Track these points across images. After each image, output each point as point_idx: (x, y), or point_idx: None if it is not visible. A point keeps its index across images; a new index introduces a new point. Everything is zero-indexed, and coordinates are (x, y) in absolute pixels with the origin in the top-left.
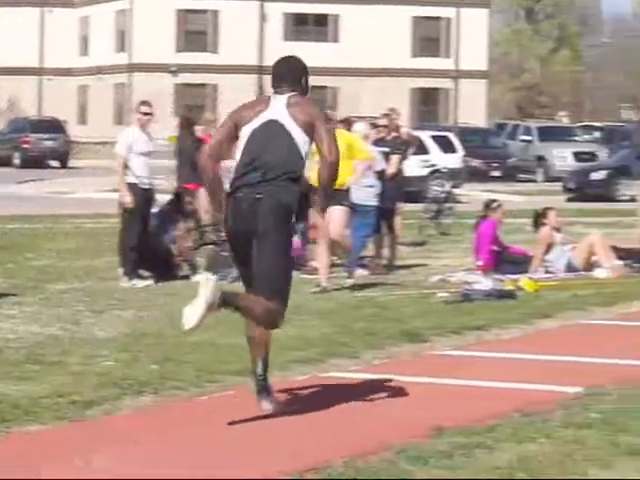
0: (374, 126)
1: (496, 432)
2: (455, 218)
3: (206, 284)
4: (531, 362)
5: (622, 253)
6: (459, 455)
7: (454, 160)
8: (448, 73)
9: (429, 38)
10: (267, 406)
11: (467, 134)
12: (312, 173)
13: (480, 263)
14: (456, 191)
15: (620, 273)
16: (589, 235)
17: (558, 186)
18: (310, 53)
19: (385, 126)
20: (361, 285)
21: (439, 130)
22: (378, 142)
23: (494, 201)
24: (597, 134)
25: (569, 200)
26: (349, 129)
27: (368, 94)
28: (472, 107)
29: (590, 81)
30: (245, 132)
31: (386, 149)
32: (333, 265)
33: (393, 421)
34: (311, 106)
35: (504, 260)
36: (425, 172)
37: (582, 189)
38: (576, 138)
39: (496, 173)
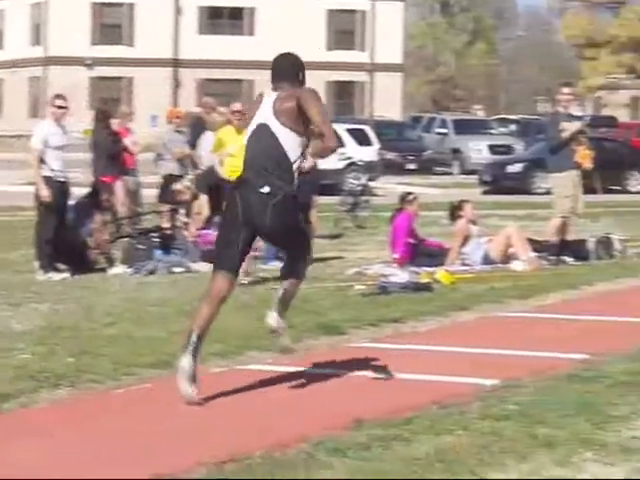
0: None
1: (414, 424)
2: (371, 211)
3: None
4: (448, 354)
5: (538, 245)
6: (377, 447)
7: (370, 153)
8: (363, 66)
9: (344, 31)
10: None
11: (383, 127)
12: (222, 168)
13: (396, 256)
14: (372, 184)
15: (536, 265)
16: (505, 227)
17: (474, 179)
18: (225, 46)
19: None
20: (278, 278)
21: (355, 123)
22: None
23: (410, 194)
24: (513, 127)
25: (485, 193)
26: None
27: None
28: (387, 100)
29: (505, 74)
30: (244, 136)
31: None
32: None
33: (311, 413)
34: (298, 91)
35: (420, 253)
36: (341, 165)
37: (498, 182)
38: (492, 131)
39: (412, 166)
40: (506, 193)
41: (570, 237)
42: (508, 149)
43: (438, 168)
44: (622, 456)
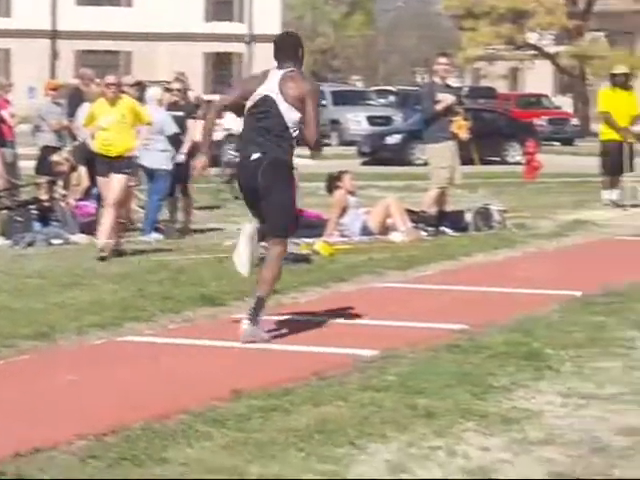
0: (167, 90)
1: (293, 395)
2: None
3: (244, 230)
4: (328, 325)
5: (416, 217)
6: (257, 418)
7: None
8: (242, 37)
9: (223, 2)
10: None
11: None
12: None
13: None
14: None
15: (415, 237)
16: (384, 199)
17: (353, 150)
18: (103, 18)
19: (179, 90)
20: (156, 249)
21: None
22: (172, 107)
23: None
24: (391, 98)
25: (364, 164)
26: (142, 93)
27: (162, 59)
28: None
29: (384, 45)
30: (247, 107)
31: (180, 113)
32: (128, 230)
33: (191, 385)
34: (304, 83)
35: (299, 224)
36: (220, 136)
37: (377, 153)
38: (370, 102)
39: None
40: (385, 164)
41: (448, 208)
42: (387, 120)
43: None
44: (502, 426)
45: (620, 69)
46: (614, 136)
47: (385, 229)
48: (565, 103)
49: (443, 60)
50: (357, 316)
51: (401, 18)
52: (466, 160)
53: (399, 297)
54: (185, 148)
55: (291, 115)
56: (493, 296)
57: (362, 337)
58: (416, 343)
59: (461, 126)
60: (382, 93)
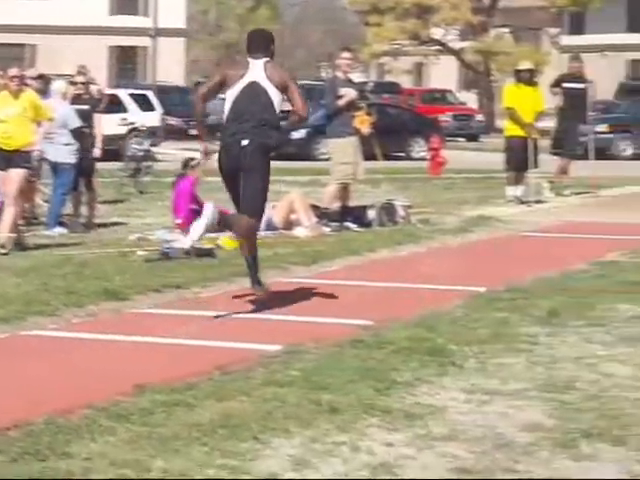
0: (72, 84)
1: (196, 390)
2: (154, 176)
3: (208, 208)
4: (231, 320)
5: (320, 212)
6: (160, 412)
7: (152, 118)
8: (147, 31)
9: None
10: (258, 292)
11: (166, 92)
12: None
13: (179, 221)
14: (155, 149)
15: (319, 232)
16: (288, 194)
17: None
18: (8, 11)
19: (83, 83)
20: (60, 243)
21: (137, 89)
22: (75, 100)
23: (192, 159)
24: None
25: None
26: (46, 87)
27: (67, 52)
28: (171, 66)
29: (289, 39)
30: (232, 93)
31: (84, 107)
32: (32, 224)
33: (95, 379)
34: (283, 70)
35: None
36: (123, 130)
37: (281, 148)
38: None
39: (195, 132)
40: (290, 159)
41: (353, 203)
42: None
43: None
44: (406, 422)
45: (525, 65)
46: (519, 132)
47: (290, 224)
48: (470, 99)
49: (346, 55)
50: (261, 311)
51: (307, 12)
52: (369, 155)
53: (303, 292)
54: (98, 142)
55: (278, 98)
56: (397, 292)
57: (266, 332)
58: (320, 338)
59: (363, 121)
60: None
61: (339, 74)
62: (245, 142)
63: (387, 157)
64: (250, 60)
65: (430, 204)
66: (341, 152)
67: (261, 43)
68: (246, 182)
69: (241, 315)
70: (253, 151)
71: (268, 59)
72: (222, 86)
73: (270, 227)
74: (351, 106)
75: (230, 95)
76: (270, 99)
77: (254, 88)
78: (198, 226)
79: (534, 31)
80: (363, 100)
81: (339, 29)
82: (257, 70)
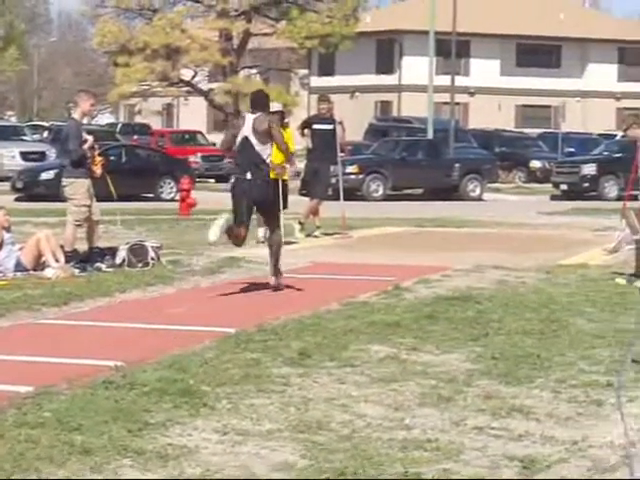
0: None
1: None
2: None
3: (220, 219)
4: None
5: (70, 253)
6: None
7: None
8: None
9: None
10: (274, 282)
11: None
12: None
13: None
14: None
15: (69, 273)
16: (37, 234)
17: (7, 185)
18: None
19: None
20: None
21: None
22: None
23: None
24: (45, 133)
25: (17, 200)
26: None
27: None
28: None
29: (38, 80)
30: (237, 142)
31: None
32: None
33: None
34: (267, 120)
35: None
36: None
37: (31, 188)
38: (24, 137)
39: None
40: (40, 200)
41: (103, 244)
42: (41, 156)
43: None
44: (159, 463)
45: (274, 107)
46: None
47: (40, 265)
48: (220, 139)
49: (85, 97)
50: (13, 352)
51: (56, 53)
52: (105, 196)
53: (55, 333)
54: None
55: (260, 148)
56: (149, 333)
57: (18, 373)
58: (72, 379)
59: (97, 162)
60: (36, 128)
61: (76, 116)
62: (249, 176)
63: (131, 197)
64: (247, 114)
65: (180, 245)
66: (79, 193)
67: (260, 103)
68: (265, 209)
69: None
70: (262, 185)
71: (260, 114)
72: (236, 137)
73: (20, 268)
74: (90, 149)
75: (236, 144)
76: (255, 149)
77: (244, 142)
78: (215, 226)
79: (284, 72)
80: (105, 140)
81: (90, 70)
82: (248, 124)
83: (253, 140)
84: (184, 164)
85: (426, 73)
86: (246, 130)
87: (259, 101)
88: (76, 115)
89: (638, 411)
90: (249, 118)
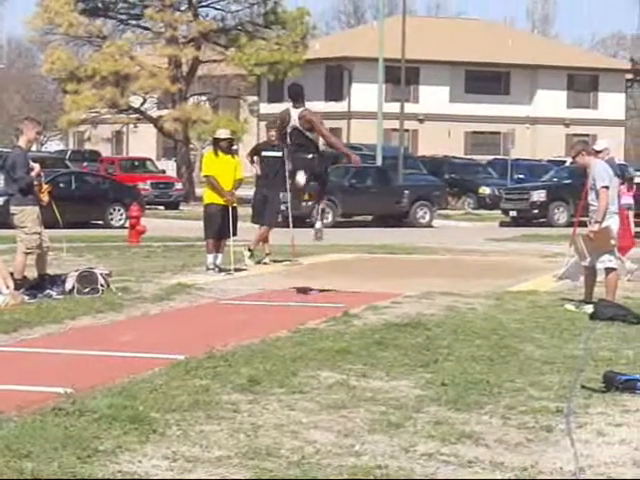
0: None
1: None
2: None
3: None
4: None
5: (20, 281)
6: None
7: None
8: None
9: None
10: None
11: None
12: None
13: None
14: None
15: (19, 299)
16: None
17: None
18: None
19: None
20: None
21: None
22: None
23: None
24: None
25: None
26: None
27: None
28: None
29: None
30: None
31: None
32: None
33: None
34: (309, 113)
35: None
36: None
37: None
38: None
39: None
40: None
41: (52, 271)
42: None
43: None
44: None
45: (223, 134)
46: (218, 200)
47: None
48: (169, 167)
49: (30, 125)
50: None
51: (4, 79)
52: (52, 223)
53: (4, 360)
54: None
55: (310, 135)
56: (98, 359)
57: None
58: (22, 406)
59: (43, 190)
60: None
61: (22, 144)
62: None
63: (74, 224)
64: (290, 109)
65: (130, 272)
66: (28, 221)
67: (299, 94)
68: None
69: None
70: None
71: (304, 107)
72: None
73: None
74: (37, 176)
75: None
76: (307, 136)
77: (294, 132)
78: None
79: (233, 99)
80: (53, 167)
81: (38, 97)
82: (295, 118)
83: (302, 128)
84: (133, 191)
85: (375, 100)
86: (293, 123)
87: (298, 94)
88: (22, 143)
89: (588, 437)
90: (294, 113)
